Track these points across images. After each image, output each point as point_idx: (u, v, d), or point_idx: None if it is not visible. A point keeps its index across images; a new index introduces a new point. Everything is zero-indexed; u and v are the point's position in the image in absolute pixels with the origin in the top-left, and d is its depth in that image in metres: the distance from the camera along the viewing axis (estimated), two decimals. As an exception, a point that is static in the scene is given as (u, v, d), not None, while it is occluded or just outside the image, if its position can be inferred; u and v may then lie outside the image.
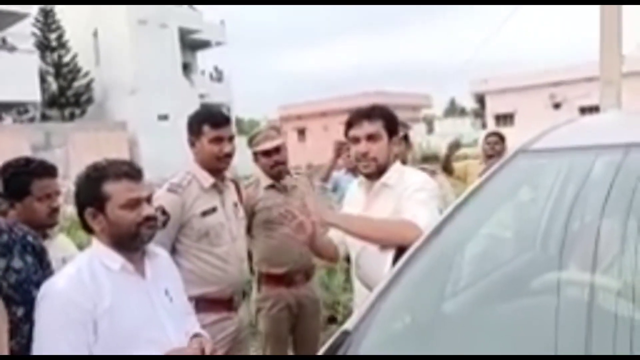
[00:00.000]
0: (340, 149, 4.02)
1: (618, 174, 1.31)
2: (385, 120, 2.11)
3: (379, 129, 2.08)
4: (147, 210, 1.67)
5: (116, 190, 1.63)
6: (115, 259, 1.64)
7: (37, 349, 1.55)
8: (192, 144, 2.42)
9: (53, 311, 1.53)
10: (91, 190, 1.64)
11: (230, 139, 2.41)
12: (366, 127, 2.07)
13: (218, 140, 2.36)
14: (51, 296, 1.55)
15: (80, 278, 1.56)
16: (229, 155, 2.40)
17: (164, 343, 1.65)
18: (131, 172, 1.67)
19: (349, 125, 2.13)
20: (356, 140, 2.10)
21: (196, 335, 1.83)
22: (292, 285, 2.89)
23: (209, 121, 2.37)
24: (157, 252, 1.82)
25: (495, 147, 4.43)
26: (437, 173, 3.54)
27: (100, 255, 1.64)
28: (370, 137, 2.07)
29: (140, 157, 21.97)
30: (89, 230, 1.68)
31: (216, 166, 2.39)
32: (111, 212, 1.63)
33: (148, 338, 1.62)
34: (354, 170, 4.19)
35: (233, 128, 2.47)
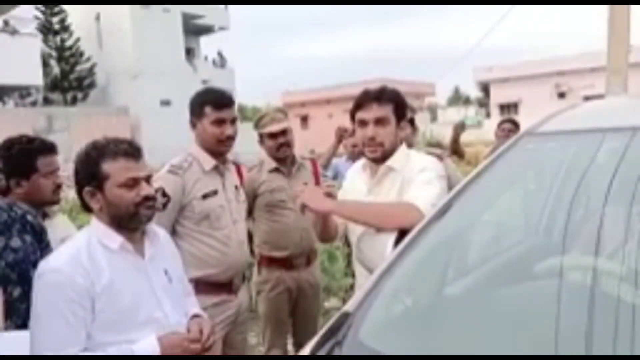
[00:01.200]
0: (342, 135, 4.00)
1: (625, 157, 1.30)
2: (395, 103, 2.04)
3: (388, 113, 2.01)
4: (146, 189, 1.64)
5: (115, 169, 1.60)
6: (114, 239, 1.62)
7: (34, 327, 1.54)
8: (193, 126, 2.39)
9: (50, 289, 1.52)
10: (90, 169, 1.61)
11: (233, 121, 2.37)
12: (375, 111, 2.00)
13: (220, 122, 2.32)
14: (48, 274, 1.53)
15: (78, 256, 1.55)
16: (231, 138, 2.37)
17: (162, 322, 1.65)
18: (130, 150, 1.64)
19: (357, 107, 2.05)
20: (363, 123, 2.03)
21: (195, 317, 1.82)
22: (292, 268, 2.89)
23: (212, 102, 2.33)
24: (157, 233, 1.80)
25: (509, 135, 4.28)
26: (444, 157, 3.52)
27: (99, 234, 1.63)
28: (379, 121, 2.00)
29: (142, 142, 21.92)
30: (88, 209, 1.67)
31: (218, 149, 2.37)
32: (109, 191, 1.60)
33: (146, 317, 1.62)
34: (354, 159, 4.16)
35: (235, 111, 2.43)
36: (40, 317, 1.53)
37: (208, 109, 2.32)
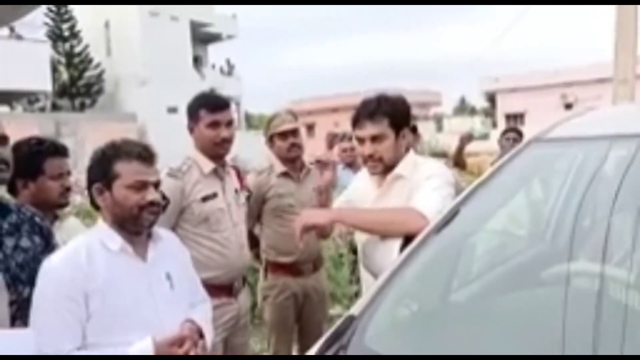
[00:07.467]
0: (332, 141, 4.01)
1: (633, 164, 1.29)
2: (390, 117, 1.99)
3: (383, 129, 1.98)
4: (152, 194, 1.67)
5: (125, 169, 1.64)
6: (115, 240, 1.65)
7: (32, 323, 1.58)
8: (191, 130, 2.42)
9: (48, 287, 1.57)
10: (102, 166, 1.66)
11: (229, 123, 2.38)
12: (369, 129, 1.98)
13: (215, 124, 2.34)
14: (47, 272, 1.58)
15: (76, 255, 1.59)
16: (227, 140, 2.37)
17: (156, 327, 1.63)
18: (144, 154, 1.68)
19: (353, 123, 2.05)
20: (361, 140, 2.02)
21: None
22: (299, 274, 2.88)
23: (206, 106, 2.36)
24: (163, 236, 1.80)
25: (514, 145, 4.25)
26: (449, 167, 3.50)
27: (102, 234, 1.66)
28: (375, 139, 1.98)
29: (149, 149, 21.96)
30: (96, 206, 1.71)
31: (214, 151, 2.38)
32: (117, 191, 1.64)
33: (140, 320, 1.62)
34: (351, 165, 4.14)
35: (233, 113, 2.44)
36: (38, 313, 1.57)
37: (203, 112, 2.35)
